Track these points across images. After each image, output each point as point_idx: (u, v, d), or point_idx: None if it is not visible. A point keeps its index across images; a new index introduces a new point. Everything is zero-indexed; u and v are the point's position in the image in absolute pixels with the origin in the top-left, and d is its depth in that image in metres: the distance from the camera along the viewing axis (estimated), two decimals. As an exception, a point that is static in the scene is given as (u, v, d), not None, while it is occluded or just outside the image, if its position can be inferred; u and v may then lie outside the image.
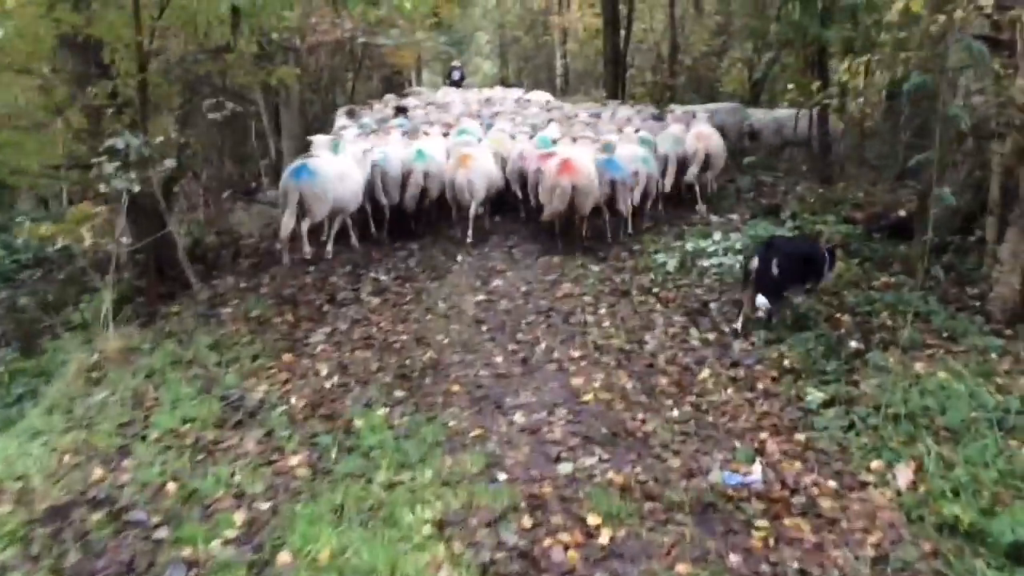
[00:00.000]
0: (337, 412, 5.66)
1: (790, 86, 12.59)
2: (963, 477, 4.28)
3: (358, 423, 5.42)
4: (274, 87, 14.39)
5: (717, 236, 9.63)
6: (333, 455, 5.08)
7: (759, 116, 15.85)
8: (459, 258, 9.43)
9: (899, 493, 4.33)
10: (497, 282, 8.44)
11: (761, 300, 6.70)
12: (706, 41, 23.17)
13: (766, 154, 14.97)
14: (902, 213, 10.11)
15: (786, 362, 6.15)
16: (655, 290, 8.28)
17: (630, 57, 20.15)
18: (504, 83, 37.41)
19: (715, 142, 11.68)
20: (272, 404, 5.84)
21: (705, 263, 9.02)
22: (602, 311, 7.55)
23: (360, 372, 6.31)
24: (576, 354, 6.44)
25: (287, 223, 8.55)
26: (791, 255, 6.86)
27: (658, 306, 7.77)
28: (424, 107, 16.75)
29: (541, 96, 23.78)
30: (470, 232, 10.02)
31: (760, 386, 5.87)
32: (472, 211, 10.02)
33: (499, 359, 6.37)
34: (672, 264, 9.06)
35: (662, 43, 20.70)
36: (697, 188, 11.59)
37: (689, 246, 9.48)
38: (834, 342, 6.40)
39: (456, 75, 32.84)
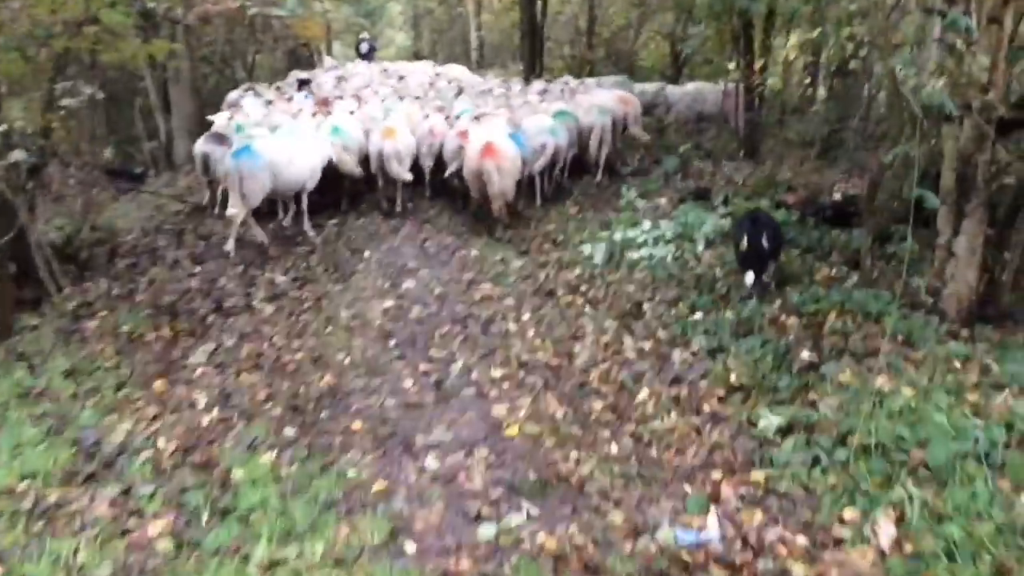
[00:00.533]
0: (214, 459, 4.68)
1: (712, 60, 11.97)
2: (956, 533, 3.60)
3: (238, 473, 4.46)
4: (162, 63, 13.11)
5: (647, 225, 8.88)
6: (204, 519, 4.12)
7: (671, 90, 15.18)
8: (366, 254, 8.48)
9: (883, 554, 3.63)
10: (408, 284, 7.52)
11: (750, 277, 6.69)
12: (623, 14, 22.45)
13: (684, 132, 14.36)
14: (836, 196, 9.56)
15: (733, 376, 5.42)
16: (583, 288, 7.50)
17: (547, 30, 19.22)
18: (418, 56, 36.11)
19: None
20: (135, 449, 4.82)
21: (635, 255, 8.27)
22: (526, 317, 6.73)
23: (245, 403, 5.34)
24: (498, 374, 5.59)
25: (234, 208, 8.35)
26: (774, 228, 6.96)
27: (587, 308, 6.99)
28: (332, 82, 15.73)
29: (456, 71, 22.83)
30: (399, 201, 10.20)
31: (707, 408, 5.12)
32: (403, 180, 9.90)
33: (409, 383, 5.47)
34: (599, 257, 8.29)
35: (580, 15, 19.86)
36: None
37: (617, 236, 8.70)
38: (782, 351, 5.71)
39: (364, 47, 31.39)
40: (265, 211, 9.21)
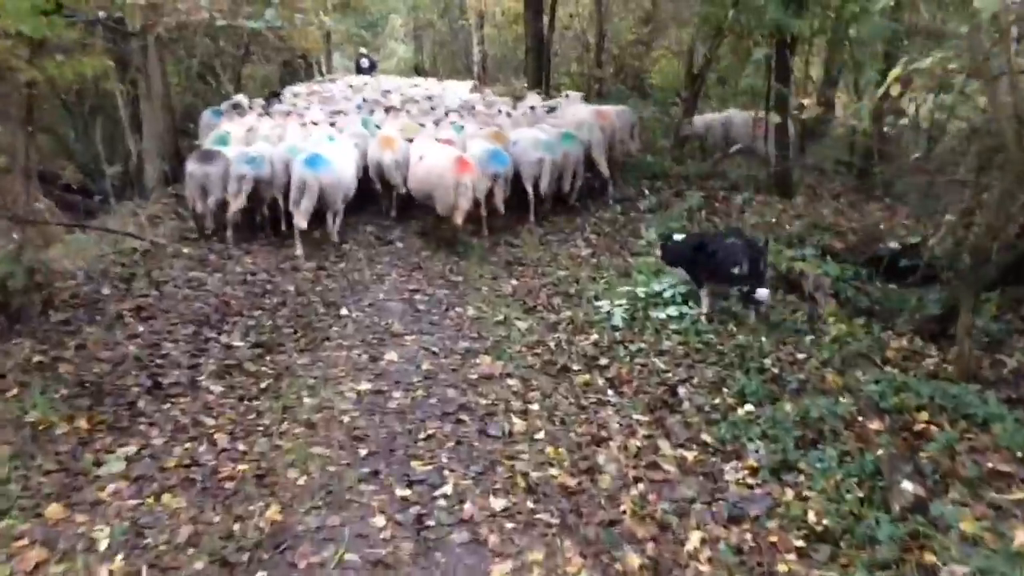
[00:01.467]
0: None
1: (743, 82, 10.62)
2: None
3: None
4: (130, 77, 11.79)
5: (671, 277, 7.49)
6: None
7: (698, 118, 13.82)
8: (344, 311, 7.08)
9: None
10: (391, 355, 6.11)
11: (763, 293, 6.61)
12: (632, 29, 21.13)
13: (711, 162, 13.00)
14: (893, 244, 8.17)
15: (811, 515, 4.03)
16: (602, 361, 6.11)
17: (554, 45, 17.87)
18: (418, 70, 34.83)
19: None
20: (-4, 627, 3.44)
21: (661, 314, 6.91)
22: (534, 406, 5.32)
23: (160, 545, 3.93)
24: (499, 505, 4.17)
25: (301, 217, 8.73)
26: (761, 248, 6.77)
27: (610, 392, 5.60)
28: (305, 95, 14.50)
29: (456, 87, 21.54)
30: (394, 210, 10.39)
31: (782, 568, 3.73)
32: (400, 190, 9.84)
33: (380, 522, 4.04)
34: (620, 316, 6.91)
35: (588, 30, 18.53)
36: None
37: (640, 290, 7.32)
38: (870, 470, 4.32)
39: (365, 62, 30.36)
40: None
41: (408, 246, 9.19)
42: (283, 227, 9.61)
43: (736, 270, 6.56)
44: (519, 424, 5.06)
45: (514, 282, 8.04)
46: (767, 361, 5.91)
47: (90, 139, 14.17)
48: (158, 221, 10.40)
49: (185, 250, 8.97)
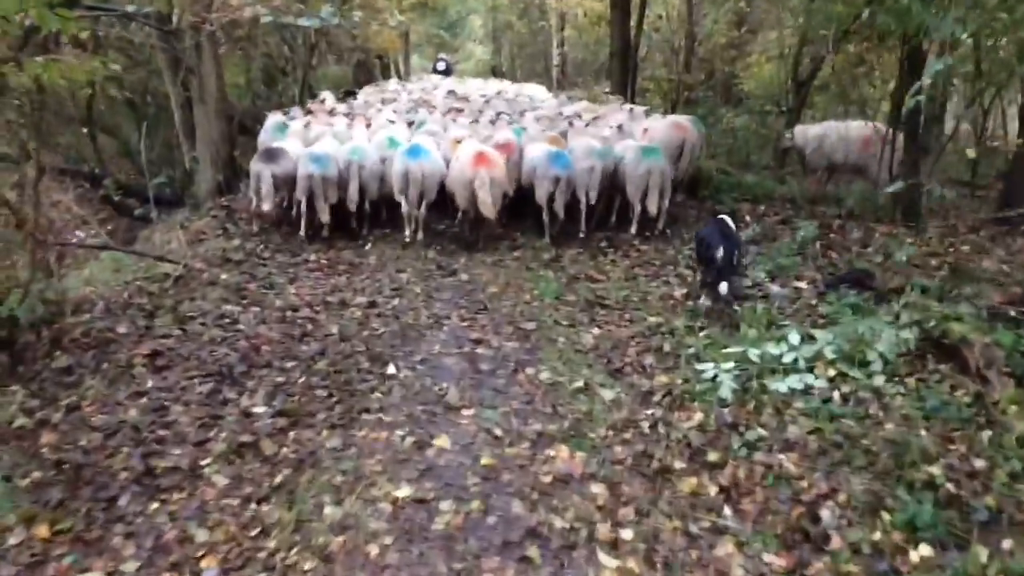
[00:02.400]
0: None
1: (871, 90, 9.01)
2: None
3: None
4: (183, 77, 10.78)
5: (792, 333, 5.95)
6: None
7: (799, 130, 12.01)
8: (391, 370, 5.78)
9: None
10: (442, 440, 4.76)
11: (724, 287, 6.78)
12: (725, 32, 19.44)
13: (815, 182, 11.34)
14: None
15: None
16: (712, 456, 4.67)
17: (641, 48, 16.35)
18: (495, 72, 33.64)
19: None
20: None
21: (782, 387, 5.41)
22: (626, 532, 3.92)
23: None
24: None
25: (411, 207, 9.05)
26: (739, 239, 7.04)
27: (727, 512, 4.16)
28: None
29: (533, 91, 20.27)
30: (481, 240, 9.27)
31: None
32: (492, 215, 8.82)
33: None
34: (729, 387, 5.44)
35: (678, 32, 16.96)
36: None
37: (752, 351, 5.82)
38: None
39: (441, 65, 29.36)
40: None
41: (473, 279, 7.86)
42: (355, 226, 9.72)
43: (713, 256, 6.86)
44: (608, 565, 3.67)
45: (596, 331, 6.64)
46: (935, 470, 4.38)
47: (152, 143, 13.35)
48: (203, 238, 9.33)
49: (224, 276, 7.83)
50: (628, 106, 12.41)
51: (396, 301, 7.22)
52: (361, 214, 9.65)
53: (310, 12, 8.40)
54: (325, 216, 9.29)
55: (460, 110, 12.50)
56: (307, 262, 8.59)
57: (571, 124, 10.95)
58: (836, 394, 5.36)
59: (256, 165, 9.27)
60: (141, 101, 14.69)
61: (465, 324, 6.68)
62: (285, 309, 7.08)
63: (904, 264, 7.84)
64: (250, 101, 16.32)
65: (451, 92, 14.79)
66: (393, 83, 21.18)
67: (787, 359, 5.79)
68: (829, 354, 5.77)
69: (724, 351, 6.01)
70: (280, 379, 5.64)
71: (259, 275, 8.03)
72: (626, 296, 7.52)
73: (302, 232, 9.30)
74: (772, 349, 5.90)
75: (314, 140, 10.21)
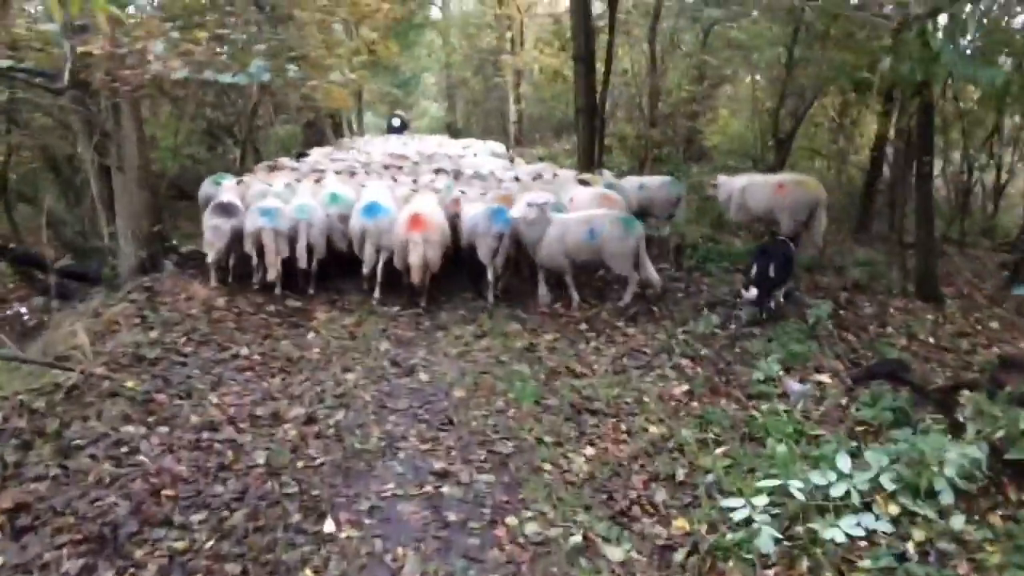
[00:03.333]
0: None
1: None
2: None
3: None
4: (94, 143, 9.36)
5: (841, 457, 4.67)
6: None
7: (727, 180, 10.48)
8: (329, 525, 4.34)
9: None
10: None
11: (752, 294, 7.41)
12: (687, 87, 18.57)
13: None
14: None
15: None
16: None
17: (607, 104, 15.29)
18: (451, 129, 32.60)
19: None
20: None
21: (837, 535, 4.11)
22: None
23: None
24: None
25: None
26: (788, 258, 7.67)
27: None
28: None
29: (491, 148, 19.20)
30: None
31: None
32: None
33: None
34: (769, 537, 4.12)
35: (643, 88, 15.98)
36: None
37: (794, 484, 4.50)
38: None
39: (396, 122, 28.30)
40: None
41: (435, 380, 6.47)
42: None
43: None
44: None
45: (588, 450, 5.29)
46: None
47: (81, 212, 11.87)
48: (115, 329, 7.81)
49: (130, 383, 6.32)
50: (556, 171, 11.38)
51: (340, 415, 5.79)
52: (309, 273, 9.11)
53: (240, 69, 7.07)
54: (273, 273, 8.80)
55: (400, 168, 12.22)
56: (236, 358, 7.13)
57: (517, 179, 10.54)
58: (910, 545, 4.07)
59: (212, 220, 8.99)
60: (67, 166, 13.17)
61: (426, 447, 5.26)
62: (201, 428, 5.61)
63: (935, 348, 6.68)
64: (189, 163, 14.92)
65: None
66: (348, 142, 20.44)
67: (836, 491, 4.50)
68: (888, 483, 4.51)
69: (752, 479, 4.71)
70: (180, 543, 4.18)
71: (175, 379, 6.55)
72: (618, 396, 6.20)
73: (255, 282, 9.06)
74: (816, 478, 4.60)
75: (253, 198, 9.54)
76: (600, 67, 13.40)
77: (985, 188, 13.02)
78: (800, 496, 4.45)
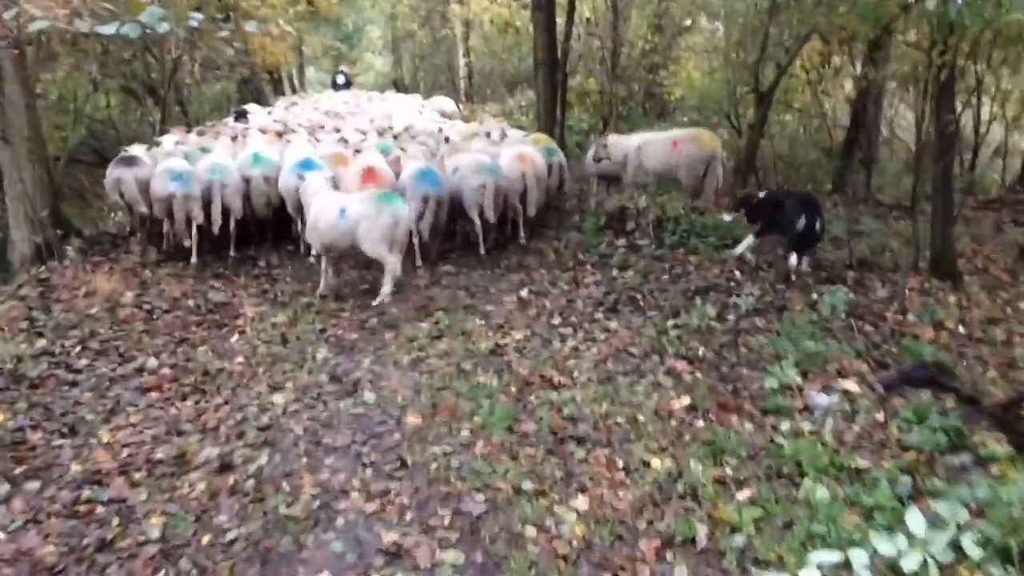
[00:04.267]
0: None
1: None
2: None
3: None
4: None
5: (913, 514, 3.57)
6: None
7: (619, 140, 9.67)
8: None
9: None
10: None
11: (794, 260, 6.93)
12: (646, 36, 17.26)
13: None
14: None
15: None
16: None
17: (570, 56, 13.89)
18: (397, 85, 30.82)
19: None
20: None
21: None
22: None
23: None
24: None
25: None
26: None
27: None
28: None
29: (440, 104, 17.89)
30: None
31: None
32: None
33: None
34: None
35: (606, 40, 14.61)
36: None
37: (859, 560, 3.38)
38: None
39: (341, 79, 26.65)
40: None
41: (383, 401, 5.22)
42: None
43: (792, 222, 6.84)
44: None
45: (579, 501, 4.12)
46: None
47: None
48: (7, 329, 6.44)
49: None
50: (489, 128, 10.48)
51: (263, 458, 4.53)
52: (226, 235, 8.59)
53: (128, 18, 5.60)
54: (188, 240, 8.32)
55: (322, 126, 11.65)
56: (140, 373, 5.82)
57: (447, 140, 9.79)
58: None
59: (115, 171, 8.36)
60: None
61: (372, 508, 4.03)
62: (83, 483, 4.33)
63: (972, 340, 5.64)
64: (99, 127, 13.25)
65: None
66: (285, 101, 19.15)
67: (910, 563, 3.40)
68: (971, 549, 3.42)
69: (793, 539, 3.61)
70: None
71: (59, 407, 5.23)
72: (607, 415, 5.03)
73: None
74: (882, 544, 3.50)
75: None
76: (560, 18, 12.02)
77: (963, 140, 12.12)
78: (863, 571, 3.35)
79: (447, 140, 9.76)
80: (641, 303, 6.87)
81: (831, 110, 13.24)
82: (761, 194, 7.51)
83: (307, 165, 8.20)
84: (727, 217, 7.75)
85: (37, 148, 8.20)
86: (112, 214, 10.34)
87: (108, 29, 5.12)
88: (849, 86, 12.38)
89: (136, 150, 8.83)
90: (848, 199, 10.18)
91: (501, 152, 8.97)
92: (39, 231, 8.10)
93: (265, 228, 9.08)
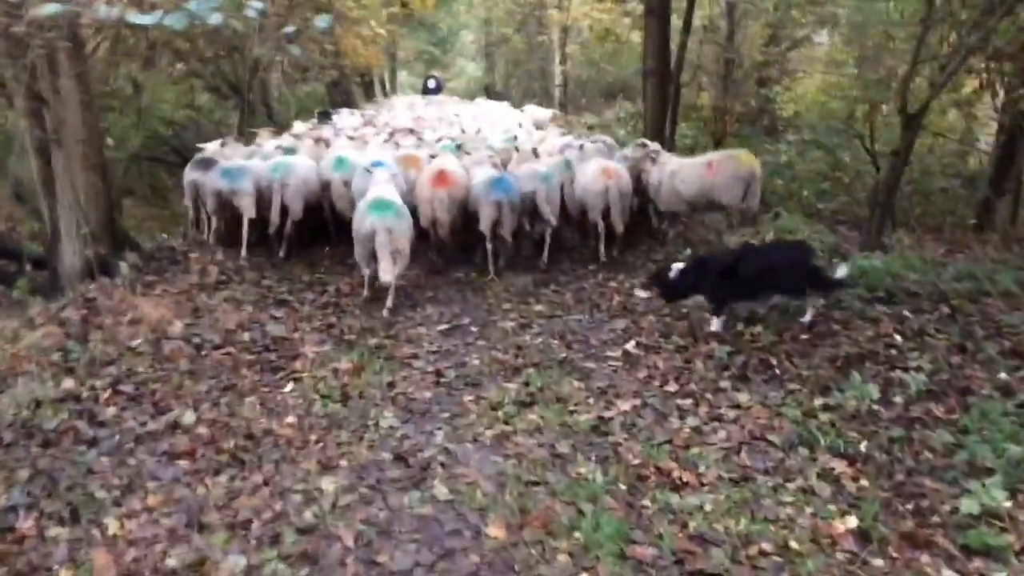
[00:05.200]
0: None
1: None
2: None
3: None
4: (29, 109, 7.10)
5: None
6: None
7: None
8: None
9: None
10: None
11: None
12: (761, 48, 15.81)
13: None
14: None
15: None
16: None
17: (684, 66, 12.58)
18: (488, 91, 29.97)
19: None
20: None
21: None
22: None
23: None
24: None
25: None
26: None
27: None
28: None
29: (534, 114, 16.88)
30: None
31: None
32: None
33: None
34: None
35: (722, 51, 13.24)
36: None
37: None
38: None
39: (432, 83, 25.99)
40: None
41: (459, 496, 4.09)
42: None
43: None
44: None
45: None
46: None
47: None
48: (20, 371, 5.57)
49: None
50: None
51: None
52: (282, 234, 8.56)
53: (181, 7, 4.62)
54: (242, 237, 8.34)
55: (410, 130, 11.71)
56: (174, 430, 4.85)
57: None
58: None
59: (191, 174, 8.54)
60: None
61: None
62: None
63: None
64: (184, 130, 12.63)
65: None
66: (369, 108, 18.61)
67: None
68: None
69: None
70: None
71: (67, 476, 4.28)
72: (747, 537, 3.78)
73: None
74: None
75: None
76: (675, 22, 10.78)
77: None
78: None
79: (517, 150, 9.63)
80: (777, 370, 5.57)
81: (979, 135, 11.70)
82: (679, 265, 6.45)
83: (377, 166, 8.04)
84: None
85: (92, 152, 7.43)
86: (180, 226, 9.64)
87: (148, 19, 4.23)
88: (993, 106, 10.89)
89: (210, 149, 8.55)
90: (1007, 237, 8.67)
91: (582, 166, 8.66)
92: (91, 244, 7.32)
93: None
